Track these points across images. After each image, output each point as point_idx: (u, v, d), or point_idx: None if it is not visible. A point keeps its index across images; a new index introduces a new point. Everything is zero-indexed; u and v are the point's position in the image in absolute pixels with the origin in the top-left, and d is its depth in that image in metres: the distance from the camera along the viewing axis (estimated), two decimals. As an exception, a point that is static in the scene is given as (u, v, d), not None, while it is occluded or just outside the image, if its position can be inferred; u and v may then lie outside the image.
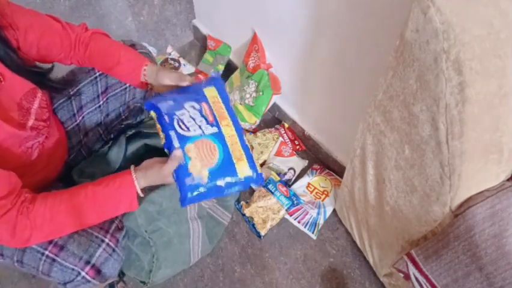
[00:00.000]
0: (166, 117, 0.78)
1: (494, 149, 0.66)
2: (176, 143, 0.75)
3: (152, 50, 1.74)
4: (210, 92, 0.84)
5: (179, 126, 0.77)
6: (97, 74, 1.00)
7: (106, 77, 1.01)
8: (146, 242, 1.00)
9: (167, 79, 0.86)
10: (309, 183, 1.34)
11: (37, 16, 0.84)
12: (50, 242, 0.77)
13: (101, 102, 1.03)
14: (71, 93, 0.98)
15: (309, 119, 1.41)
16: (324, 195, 1.31)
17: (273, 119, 1.55)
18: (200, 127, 0.78)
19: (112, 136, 1.15)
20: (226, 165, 0.76)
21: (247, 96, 1.44)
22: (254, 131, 1.48)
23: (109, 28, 1.86)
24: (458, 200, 0.72)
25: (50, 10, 1.89)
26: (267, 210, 1.23)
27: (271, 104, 1.42)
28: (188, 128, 0.77)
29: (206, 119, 0.79)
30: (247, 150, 0.80)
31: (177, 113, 0.79)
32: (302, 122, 1.43)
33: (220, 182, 0.76)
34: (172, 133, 0.76)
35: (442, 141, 0.65)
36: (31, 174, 0.84)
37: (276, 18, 1.22)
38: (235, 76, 1.55)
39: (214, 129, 0.78)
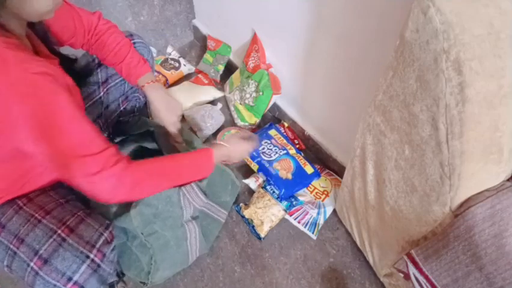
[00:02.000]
0: (253, 153, 1.33)
1: (494, 149, 0.66)
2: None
3: (152, 50, 1.74)
4: (272, 132, 1.43)
5: (264, 155, 1.34)
6: (97, 63, 1.01)
7: (106, 68, 1.02)
8: (144, 244, 0.99)
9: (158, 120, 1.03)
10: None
11: None
12: (36, 254, 0.75)
13: (102, 94, 1.04)
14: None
15: (309, 119, 1.41)
16: (324, 195, 1.31)
17: (273, 119, 1.55)
18: (276, 152, 1.35)
19: (110, 130, 1.16)
20: (299, 169, 1.32)
21: (247, 96, 1.44)
22: (254, 131, 1.48)
23: (109, 28, 1.86)
24: (458, 200, 0.72)
25: (50, 10, 1.89)
26: (266, 211, 1.23)
27: (271, 104, 1.42)
28: (270, 155, 1.34)
29: (277, 147, 1.37)
30: (306, 159, 1.36)
31: (259, 148, 1.35)
32: (302, 122, 1.43)
33: (299, 178, 1.30)
34: (262, 162, 1.32)
35: (442, 141, 0.65)
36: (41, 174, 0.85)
37: (276, 18, 1.22)
38: (235, 76, 1.55)
39: (284, 151, 1.36)
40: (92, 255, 0.78)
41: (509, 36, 0.59)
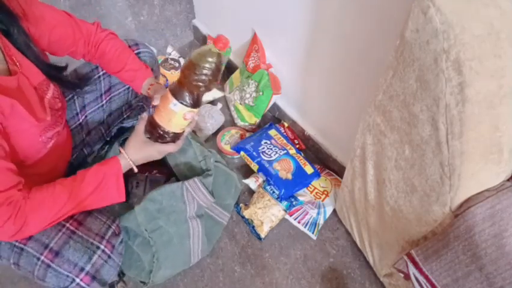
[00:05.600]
0: (254, 153, 1.32)
1: (494, 149, 0.66)
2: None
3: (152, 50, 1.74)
4: (272, 132, 1.42)
5: (264, 155, 1.32)
6: (100, 73, 1.00)
7: (109, 76, 1.01)
8: (146, 242, 0.99)
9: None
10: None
11: (50, 8, 0.85)
12: (46, 247, 0.76)
13: (104, 102, 1.03)
14: (74, 92, 0.99)
15: (309, 119, 1.41)
16: (324, 195, 1.31)
17: (273, 119, 1.55)
18: (276, 152, 1.33)
19: (112, 134, 1.16)
20: (299, 169, 1.31)
21: (247, 96, 1.44)
22: (254, 131, 1.48)
23: (109, 28, 1.86)
24: (458, 200, 0.72)
25: (50, 10, 1.89)
26: (266, 211, 1.23)
27: (271, 104, 1.42)
28: (270, 155, 1.32)
29: (277, 147, 1.36)
30: (306, 159, 1.36)
31: (259, 148, 1.34)
32: (302, 122, 1.43)
33: (299, 179, 1.29)
34: (262, 162, 1.31)
35: (442, 141, 0.65)
36: (39, 175, 0.84)
37: (276, 18, 1.22)
38: (235, 76, 1.55)
39: (284, 151, 1.35)
40: (102, 246, 0.80)
41: (509, 36, 0.59)
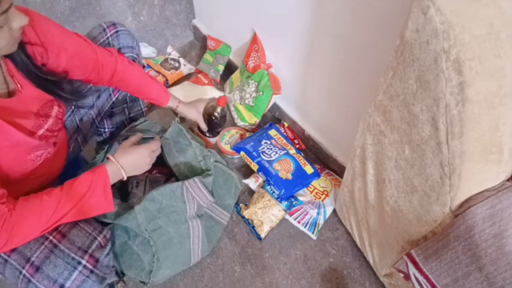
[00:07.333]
0: (254, 153, 1.32)
1: (494, 149, 0.66)
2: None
3: (152, 50, 1.74)
4: (272, 132, 1.43)
5: (264, 155, 1.33)
6: None
7: None
8: (146, 242, 1.00)
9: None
10: (309, 183, 1.34)
11: (69, 35, 0.84)
12: (28, 261, 0.75)
13: (92, 84, 1.03)
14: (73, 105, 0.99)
15: (309, 119, 1.41)
16: (324, 195, 1.31)
17: (273, 119, 1.55)
18: (276, 152, 1.34)
19: (107, 131, 1.15)
20: (299, 169, 1.31)
21: (247, 96, 1.44)
22: (254, 131, 1.48)
23: (109, 28, 1.86)
24: (458, 200, 0.72)
25: (50, 10, 1.89)
26: (266, 211, 1.23)
27: (271, 104, 1.42)
28: (270, 155, 1.33)
29: (277, 148, 1.36)
30: (306, 159, 1.36)
31: (259, 148, 1.34)
32: (302, 122, 1.43)
33: (299, 179, 1.29)
34: (262, 162, 1.31)
35: (442, 141, 0.65)
36: (33, 178, 0.84)
37: (276, 18, 1.22)
38: (235, 76, 1.55)
39: (284, 151, 1.36)
40: (84, 262, 0.78)
41: (509, 36, 0.59)
